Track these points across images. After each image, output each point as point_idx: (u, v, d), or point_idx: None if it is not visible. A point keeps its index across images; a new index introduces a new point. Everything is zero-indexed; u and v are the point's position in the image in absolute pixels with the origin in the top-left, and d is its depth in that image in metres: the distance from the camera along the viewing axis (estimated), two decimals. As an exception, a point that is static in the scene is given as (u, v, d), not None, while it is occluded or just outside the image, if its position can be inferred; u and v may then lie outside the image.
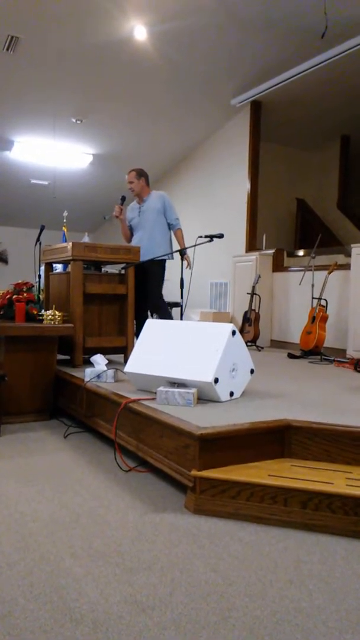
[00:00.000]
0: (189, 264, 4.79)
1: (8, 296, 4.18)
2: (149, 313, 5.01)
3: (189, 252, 4.81)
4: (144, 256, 4.58)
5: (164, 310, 4.86)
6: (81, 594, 1.63)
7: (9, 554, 1.87)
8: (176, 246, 4.86)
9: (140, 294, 4.77)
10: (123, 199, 4.77)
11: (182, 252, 4.65)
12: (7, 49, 5.63)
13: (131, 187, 4.84)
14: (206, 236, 4.43)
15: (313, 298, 5.52)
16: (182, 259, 4.69)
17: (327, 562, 1.85)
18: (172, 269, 5.12)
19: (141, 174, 4.85)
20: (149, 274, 4.76)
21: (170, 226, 4.90)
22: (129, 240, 5.00)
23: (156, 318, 4.86)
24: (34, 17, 5.21)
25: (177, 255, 4.76)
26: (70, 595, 1.62)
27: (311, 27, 5.35)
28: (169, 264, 4.95)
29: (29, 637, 1.42)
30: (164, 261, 4.83)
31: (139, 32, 5.49)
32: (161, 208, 4.82)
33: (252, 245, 7.28)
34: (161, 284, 4.89)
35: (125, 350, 4.28)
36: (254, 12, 5.28)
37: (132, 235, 4.98)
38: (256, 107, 7.18)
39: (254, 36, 5.71)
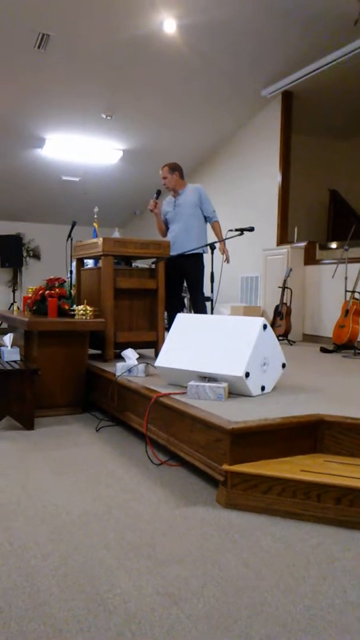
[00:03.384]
0: (227, 258, 4.74)
1: (41, 292, 4.24)
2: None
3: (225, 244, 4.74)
4: (180, 250, 4.54)
5: (204, 306, 4.81)
6: (114, 585, 1.65)
7: (43, 545, 1.90)
8: (211, 239, 4.79)
9: (173, 289, 4.74)
10: (158, 193, 4.73)
11: (212, 247, 4.58)
12: (39, 47, 5.69)
13: (165, 183, 4.77)
14: (236, 229, 4.39)
15: (346, 291, 5.42)
16: (212, 252, 4.64)
17: (362, 559, 1.82)
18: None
19: (174, 168, 4.78)
20: (191, 269, 4.69)
21: (207, 219, 4.80)
22: (164, 235, 4.93)
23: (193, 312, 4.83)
24: (64, 13, 5.24)
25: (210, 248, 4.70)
26: (103, 586, 1.64)
27: (343, 14, 5.23)
28: None
29: (64, 626, 1.45)
30: (201, 255, 4.76)
31: (169, 25, 5.47)
32: (197, 201, 4.73)
33: (283, 238, 7.19)
34: (203, 281, 4.84)
35: (155, 345, 4.29)
36: (283, 0, 5.19)
37: (167, 229, 4.93)
38: (287, 97, 7.07)
39: (284, 25, 5.61)
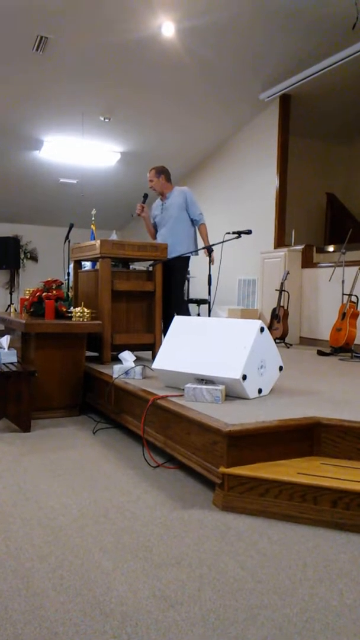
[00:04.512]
0: (212, 261, 4.72)
1: (38, 294, 4.24)
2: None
3: (216, 247, 4.75)
4: (168, 254, 4.54)
5: (184, 310, 4.76)
6: (110, 588, 1.65)
7: (39, 547, 1.90)
8: (200, 242, 4.80)
9: (166, 291, 4.74)
10: (145, 196, 4.74)
11: (210, 250, 4.58)
12: (37, 49, 5.69)
13: (152, 186, 4.78)
14: (234, 232, 4.40)
15: (343, 294, 5.43)
16: (209, 255, 4.64)
17: (358, 561, 1.82)
18: (200, 265, 5.09)
19: (161, 171, 4.78)
20: (175, 272, 4.69)
21: (193, 222, 4.79)
22: (154, 238, 4.97)
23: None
24: (62, 17, 5.25)
25: (201, 251, 4.71)
26: (99, 589, 1.64)
27: (341, 19, 5.26)
28: (195, 260, 4.89)
29: (60, 629, 1.44)
30: (187, 258, 4.77)
31: (167, 28, 5.48)
32: (183, 203, 4.73)
33: (280, 241, 7.20)
34: (183, 281, 4.79)
35: (153, 347, 4.29)
36: (281, 4, 5.21)
37: (156, 232, 4.96)
38: (285, 101, 7.09)
39: (282, 29, 5.63)
